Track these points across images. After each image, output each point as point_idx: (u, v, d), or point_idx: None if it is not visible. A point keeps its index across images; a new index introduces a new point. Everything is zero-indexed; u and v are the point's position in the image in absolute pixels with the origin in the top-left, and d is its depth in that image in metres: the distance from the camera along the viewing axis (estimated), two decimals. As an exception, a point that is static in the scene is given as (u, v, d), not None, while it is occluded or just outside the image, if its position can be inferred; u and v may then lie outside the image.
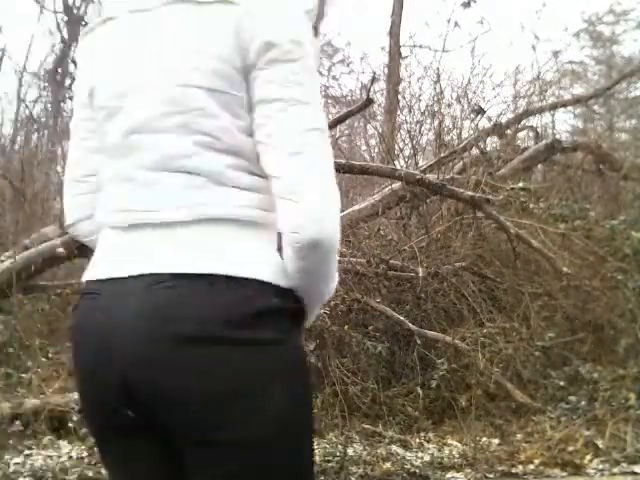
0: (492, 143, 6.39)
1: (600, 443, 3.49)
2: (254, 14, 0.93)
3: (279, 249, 0.96)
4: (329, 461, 3.34)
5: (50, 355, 4.37)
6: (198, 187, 0.93)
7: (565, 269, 4.54)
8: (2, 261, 4.79)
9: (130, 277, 0.92)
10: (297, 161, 0.90)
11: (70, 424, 3.61)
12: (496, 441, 3.68)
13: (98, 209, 1.03)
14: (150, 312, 0.89)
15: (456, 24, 7.34)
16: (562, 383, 4.18)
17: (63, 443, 3.58)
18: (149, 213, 0.94)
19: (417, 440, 3.68)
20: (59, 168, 9.39)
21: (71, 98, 12.75)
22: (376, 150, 7.40)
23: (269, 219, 0.95)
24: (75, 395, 3.76)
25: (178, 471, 0.95)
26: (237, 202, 0.94)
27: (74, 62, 12.65)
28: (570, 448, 3.48)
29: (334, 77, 13.88)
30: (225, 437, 0.88)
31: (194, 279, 0.89)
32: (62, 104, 12.40)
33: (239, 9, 0.93)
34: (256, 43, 0.92)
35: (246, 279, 0.90)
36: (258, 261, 0.93)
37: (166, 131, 0.94)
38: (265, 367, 0.90)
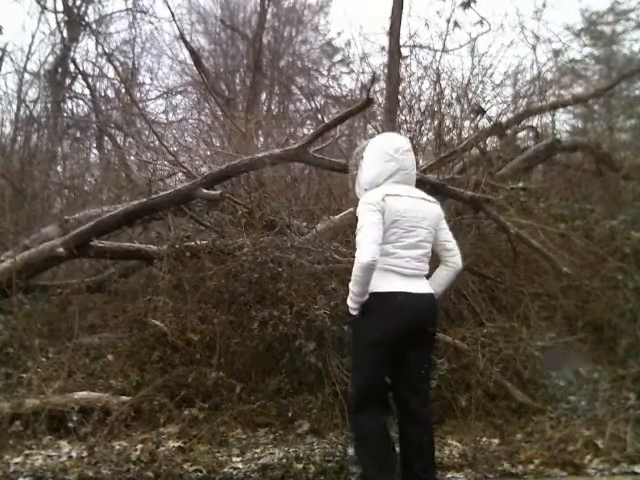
0: (492, 143, 6.39)
1: (600, 443, 3.49)
2: (440, 209, 2.93)
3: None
4: (329, 461, 3.34)
5: (50, 355, 4.36)
6: (426, 262, 2.84)
7: (565, 269, 4.54)
8: (2, 261, 4.79)
9: (420, 293, 2.76)
10: (454, 245, 2.94)
11: (70, 424, 3.61)
12: (496, 441, 3.68)
13: (393, 265, 2.74)
14: (429, 304, 2.82)
15: (456, 24, 7.32)
16: (562, 383, 4.18)
17: (63, 443, 3.58)
18: (421, 271, 2.80)
19: (417, 440, 3.67)
20: (59, 168, 9.41)
21: (71, 98, 12.79)
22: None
23: None
24: (75, 395, 3.77)
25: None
26: (428, 267, 2.86)
27: (74, 62, 12.66)
28: (570, 448, 3.48)
29: (334, 77, 13.92)
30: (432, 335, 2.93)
31: (432, 296, 2.85)
32: (62, 104, 12.38)
33: (439, 205, 2.94)
34: (440, 216, 2.92)
35: (434, 295, 2.87)
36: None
37: (428, 242, 2.84)
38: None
